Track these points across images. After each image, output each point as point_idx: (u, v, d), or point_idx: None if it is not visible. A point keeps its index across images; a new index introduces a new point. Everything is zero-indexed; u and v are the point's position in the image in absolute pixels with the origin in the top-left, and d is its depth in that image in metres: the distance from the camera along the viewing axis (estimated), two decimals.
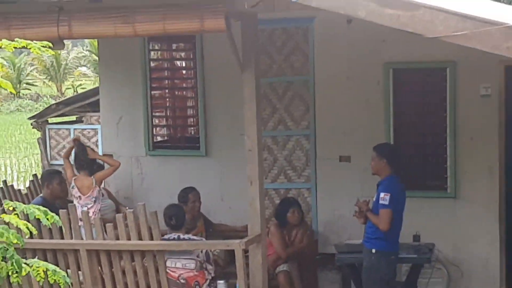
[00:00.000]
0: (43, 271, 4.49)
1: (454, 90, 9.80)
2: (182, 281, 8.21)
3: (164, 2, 7.84)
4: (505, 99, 9.72)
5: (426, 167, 10.20)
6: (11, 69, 59.57)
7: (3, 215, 4.24)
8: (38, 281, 4.72)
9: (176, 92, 11.36)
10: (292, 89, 10.52)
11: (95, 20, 7.83)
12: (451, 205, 9.93)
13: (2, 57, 58.81)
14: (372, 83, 10.09)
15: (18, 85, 60.46)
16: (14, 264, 4.09)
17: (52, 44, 6.89)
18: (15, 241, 4.05)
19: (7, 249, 4.04)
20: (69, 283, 4.74)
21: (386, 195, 8.44)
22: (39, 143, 18.84)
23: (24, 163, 27.99)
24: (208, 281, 8.29)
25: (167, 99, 11.36)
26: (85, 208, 9.09)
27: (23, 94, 61.22)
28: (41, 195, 9.79)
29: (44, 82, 63.28)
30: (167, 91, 11.37)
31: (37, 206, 4.30)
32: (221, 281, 8.22)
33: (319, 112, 10.36)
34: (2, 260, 4.11)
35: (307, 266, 10.21)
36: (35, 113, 20.43)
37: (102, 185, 10.31)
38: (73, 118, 18.10)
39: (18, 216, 4.21)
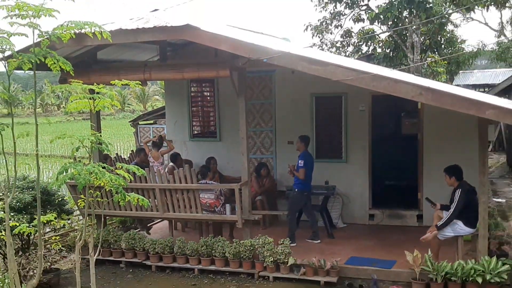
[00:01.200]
0: (136, 199, 4.66)
1: (346, 108, 10.00)
2: (207, 204, 8.42)
3: (198, 62, 8.04)
4: (372, 112, 9.95)
5: (332, 147, 10.33)
6: (120, 96, 59.62)
7: (117, 170, 4.38)
8: (134, 204, 4.90)
9: (204, 108, 11.42)
10: (263, 107, 10.64)
11: (162, 71, 8.06)
12: (344, 166, 10.13)
13: (115, 90, 58.84)
14: (304, 103, 10.25)
15: (123, 105, 60.52)
16: (122, 195, 4.24)
17: (141, 83, 7.13)
18: (122, 183, 4.20)
19: (118, 187, 4.18)
20: (150, 205, 4.89)
21: (301, 161, 8.75)
22: (134, 135, 18.94)
23: (126, 145, 28.06)
24: (221, 204, 8.48)
25: (199, 112, 11.42)
26: (156, 167, 9.27)
27: (126, 109, 61.19)
28: (134, 161, 9.92)
29: (136, 103, 63.25)
30: (199, 107, 11.42)
31: (134, 166, 4.46)
32: (227, 204, 8.43)
33: (277, 118, 10.52)
34: (115, 193, 4.26)
35: (271, 197, 10.44)
36: (132, 119, 20.38)
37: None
38: (151, 121, 18.13)
39: (123, 171, 4.37)
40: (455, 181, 7.42)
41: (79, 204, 5.20)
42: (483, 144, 7.06)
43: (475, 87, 24.95)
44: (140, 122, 17.88)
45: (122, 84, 5.36)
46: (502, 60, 26.59)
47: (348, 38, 21.14)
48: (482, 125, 6.96)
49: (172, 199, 8.50)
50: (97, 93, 4.72)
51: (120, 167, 4.33)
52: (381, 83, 6.48)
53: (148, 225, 10.05)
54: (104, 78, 8.18)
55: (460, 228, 7.32)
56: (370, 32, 20.48)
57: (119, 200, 4.31)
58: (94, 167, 3.87)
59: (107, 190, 4.45)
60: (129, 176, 4.24)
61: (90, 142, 4.02)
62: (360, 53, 21.76)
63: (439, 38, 20.76)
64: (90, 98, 4.19)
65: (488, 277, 6.74)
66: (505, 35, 25.37)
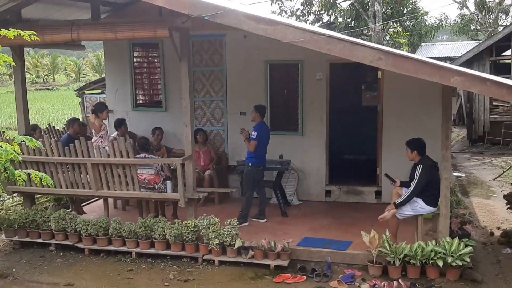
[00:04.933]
0: (39, 177, 3.85)
1: (302, 76, 9.30)
2: (146, 181, 7.59)
3: (133, 20, 7.13)
4: (330, 81, 9.29)
5: (287, 118, 9.63)
6: (75, 66, 57.44)
7: (1, 142, 3.54)
8: (36, 183, 4.09)
9: (149, 75, 10.42)
10: (214, 74, 9.80)
11: (93, 30, 7.09)
12: (300, 139, 9.47)
13: (70, 60, 57.02)
14: (258, 72, 9.49)
15: (78, 75, 58.22)
16: (9, 172, 3.43)
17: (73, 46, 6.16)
18: (10, 157, 3.39)
19: (5, 164, 3.37)
20: (53, 184, 4.09)
21: (255, 133, 8.03)
22: (80, 105, 17.72)
23: (77, 116, 26.62)
24: (161, 181, 7.67)
25: (144, 79, 10.43)
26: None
27: (81, 79, 58.75)
28: (68, 132, 8.91)
29: (92, 73, 60.63)
30: (144, 74, 10.42)
31: (26, 137, 3.62)
32: (168, 181, 7.63)
33: (229, 87, 9.72)
34: (4, 170, 3.45)
35: (222, 172, 9.74)
36: (77, 88, 19.05)
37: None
38: (99, 91, 16.84)
39: (16, 143, 3.54)
40: (416, 155, 6.86)
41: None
42: (447, 115, 6.49)
43: (437, 60, 24.65)
44: (86, 92, 16.67)
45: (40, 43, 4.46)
46: (464, 33, 26.43)
47: (308, 6, 20.31)
48: (446, 95, 6.38)
49: (106, 175, 7.63)
50: None
51: (12, 138, 3.48)
52: (336, 46, 5.78)
53: (82, 204, 9.15)
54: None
55: (420, 206, 6.79)
56: (331, 1, 19.73)
57: (11, 178, 3.47)
58: None
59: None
60: (15, 149, 3.38)
61: None
62: (321, 22, 21.01)
63: (401, 8, 20.24)
64: None
65: (449, 260, 6.26)
66: (467, 7, 25.12)
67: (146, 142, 8.00)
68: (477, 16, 24.28)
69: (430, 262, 6.36)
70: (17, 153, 3.41)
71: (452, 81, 5.47)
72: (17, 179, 3.58)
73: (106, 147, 7.77)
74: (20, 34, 3.92)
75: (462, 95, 17.71)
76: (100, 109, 8.43)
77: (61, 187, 7.82)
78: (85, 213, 8.86)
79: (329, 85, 9.24)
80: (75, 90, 17.58)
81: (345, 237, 7.51)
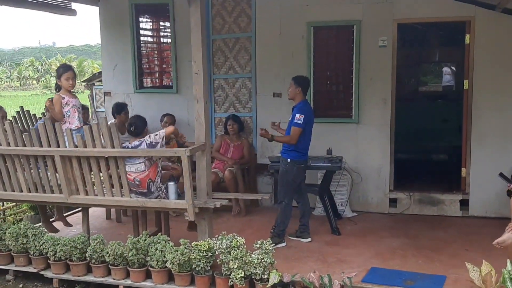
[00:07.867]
0: None
1: (359, 43, 6.81)
2: (137, 182, 5.15)
3: None
4: (397, 49, 6.79)
5: (337, 100, 7.23)
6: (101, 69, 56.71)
7: None
8: None
9: (157, 48, 8.15)
10: (239, 43, 7.39)
11: None
12: (355, 128, 6.97)
13: (97, 63, 56.44)
14: (297, 38, 7.03)
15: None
16: None
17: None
18: None
19: None
20: None
21: (300, 116, 5.55)
22: (88, 98, 15.66)
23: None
24: (159, 173, 5.22)
25: (149, 53, 8.15)
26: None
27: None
28: (42, 119, 6.56)
29: None
30: (149, 47, 8.15)
31: None
32: (171, 183, 5.19)
33: (259, 60, 7.27)
34: None
35: (249, 172, 7.35)
36: (86, 78, 17.02)
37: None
38: None
39: None
40: None
41: None
42: None
43: None
44: (95, 83, 14.50)
45: None
46: None
47: None
48: None
49: (82, 173, 5.24)
50: None
51: None
52: None
53: (65, 214, 6.79)
54: None
55: None
56: None
57: None
58: None
59: None
60: None
61: None
62: None
63: None
64: None
65: None
66: None
67: (141, 124, 5.47)
68: None
69: None
70: None
71: None
72: None
73: (74, 131, 5.33)
74: None
75: None
76: (58, 72, 5.62)
77: (21, 191, 5.46)
78: (70, 225, 6.53)
79: (396, 54, 6.74)
80: (83, 81, 15.41)
81: (433, 269, 5.04)
